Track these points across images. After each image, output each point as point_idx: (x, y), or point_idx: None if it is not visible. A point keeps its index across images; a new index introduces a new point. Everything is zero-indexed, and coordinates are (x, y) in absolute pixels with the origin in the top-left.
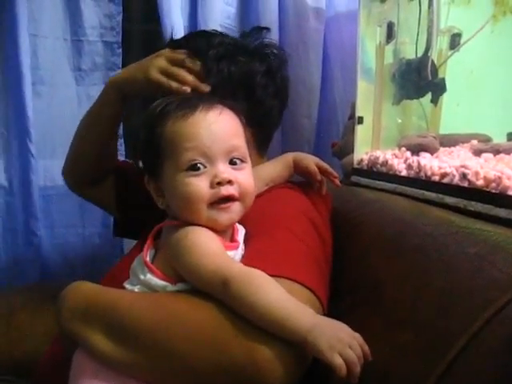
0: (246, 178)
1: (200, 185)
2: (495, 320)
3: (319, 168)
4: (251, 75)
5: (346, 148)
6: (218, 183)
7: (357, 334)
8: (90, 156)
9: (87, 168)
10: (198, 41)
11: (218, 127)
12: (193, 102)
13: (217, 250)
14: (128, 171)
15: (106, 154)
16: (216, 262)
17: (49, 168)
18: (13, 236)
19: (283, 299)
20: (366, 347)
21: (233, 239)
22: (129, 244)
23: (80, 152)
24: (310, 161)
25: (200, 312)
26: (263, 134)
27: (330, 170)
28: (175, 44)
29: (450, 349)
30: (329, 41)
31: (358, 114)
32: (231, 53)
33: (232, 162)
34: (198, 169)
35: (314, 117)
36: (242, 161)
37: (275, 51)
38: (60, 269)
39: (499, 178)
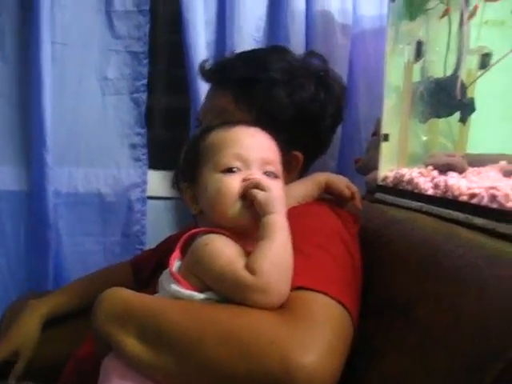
0: (276, 189)
1: (232, 181)
2: None
3: (349, 189)
4: (321, 116)
5: (369, 164)
6: (248, 183)
7: None
8: None
9: None
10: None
11: (257, 139)
12: (234, 122)
13: (238, 257)
14: None
15: None
16: (236, 271)
17: (73, 175)
18: (33, 242)
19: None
20: None
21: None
22: None
23: None
24: (342, 183)
25: (236, 319)
26: (311, 160)
27: (357, 195)
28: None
29: (487, 373)
30: (354, 57)
31: (384, 131)
32: (300, 79)
33: (265, 174)
34: (234, 172)
35: (338, 132)
36: (275, 176)
37: (341, 86)
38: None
39: None
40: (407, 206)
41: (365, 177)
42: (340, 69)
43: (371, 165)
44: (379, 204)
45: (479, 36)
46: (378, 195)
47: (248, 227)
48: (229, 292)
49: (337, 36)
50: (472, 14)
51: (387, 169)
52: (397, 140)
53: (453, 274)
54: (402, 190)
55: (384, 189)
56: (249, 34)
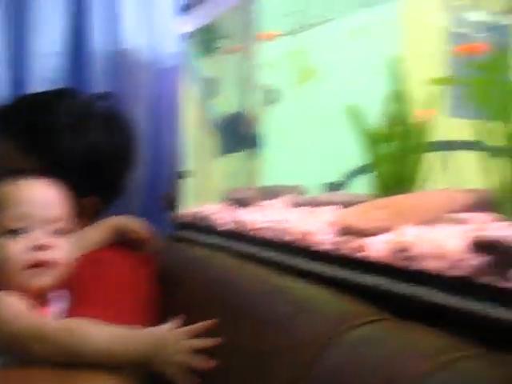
0: (62, 249)
1: (16, 248)
2: (301, 381)
3: (141, 233)
4: (111, 160)
5: (175, 201)
6: (33, 248)
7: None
8: None
9: None
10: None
11: (42, 196)
12: (24, 173)
13: (25, 311)
14: None
15: None
16: (29, 321)
17: None
18: None
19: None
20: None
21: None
22: None
23: None
24: (135, 227)
25: None
26: (106, 203)
27: (150, 237)
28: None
29: None
30: (157, 94)
31: (183, 168)
32: (88, 122)
33: (51, 232)
34: (17, 234)
35: (144, 169)
36: (61, 232)
37: (131, 128)
38: None
39: (307, 233)
40: (206, 242)
41: (171, 214)
42: (144, 105)
43: (177, 202)
44: (181, 242)
45: (264, 74)
46: (180, 233)
47: (36, 293)
48: (28, 346)
49: (140, 74)
50: (250, 54)
51: (188, 205)
52: (198, 176)
53: (236, 312)
54: (201, 227)
55: (185, 226)
56: (44, 74)
